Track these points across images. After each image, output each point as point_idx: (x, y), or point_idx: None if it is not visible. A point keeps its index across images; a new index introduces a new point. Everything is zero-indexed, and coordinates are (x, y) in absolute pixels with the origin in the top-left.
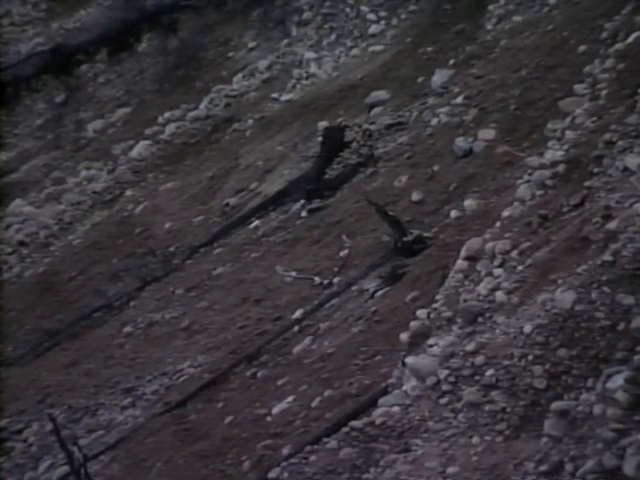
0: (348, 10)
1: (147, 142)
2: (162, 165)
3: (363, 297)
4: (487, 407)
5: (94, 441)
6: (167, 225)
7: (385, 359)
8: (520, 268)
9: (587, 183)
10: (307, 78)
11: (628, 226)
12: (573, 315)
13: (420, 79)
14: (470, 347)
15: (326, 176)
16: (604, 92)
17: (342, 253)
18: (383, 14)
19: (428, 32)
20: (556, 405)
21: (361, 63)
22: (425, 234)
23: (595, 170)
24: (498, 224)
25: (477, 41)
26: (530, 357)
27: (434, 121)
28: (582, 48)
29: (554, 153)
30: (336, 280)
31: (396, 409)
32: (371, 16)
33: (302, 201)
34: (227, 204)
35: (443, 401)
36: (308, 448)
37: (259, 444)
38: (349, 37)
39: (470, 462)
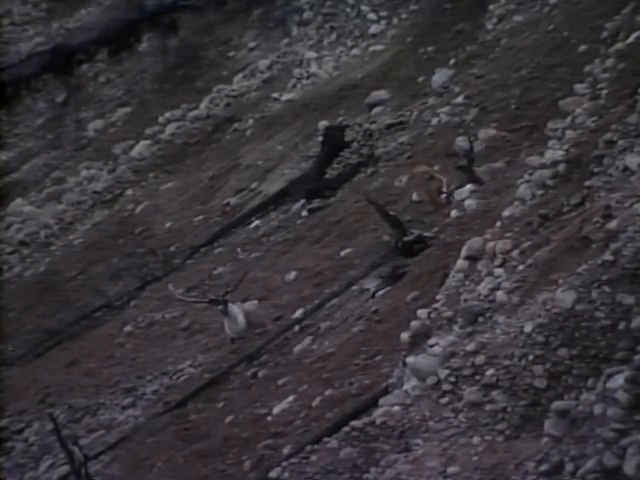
0: (349, 10)
1: (147, 142)
2: (162, 165)
3: (364, 297)
4: (488, 407)
5: (95, 441)
6: (167, 225)
7: (386, 359)
8: (521, 268)
9: (587, 183)
10: (308, 78)
11: (628, 226)
12: (573, 315)
13: (420, 79)
14: (471, 347)
15: (326, 176)
16: (604, 92)
17: (343, 253)
18: (384, 14)
19: (428, 32)
20: (556, 405)
21: (361, 63)
22: (425, 234)
23: (595, 170)
24: (498, 224)
25: (477, 41)
26: (530, 357)
27: (434, 121)
28: (582, 48)
29: (554, 153)
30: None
31: (397, 409)
32: (372, 16)
33: (302, 201)
34: (227, 204)
35: (444, 401)
36: (309, 448)
37: (260, 444)
38: (350, 37)
39: (471, 462)
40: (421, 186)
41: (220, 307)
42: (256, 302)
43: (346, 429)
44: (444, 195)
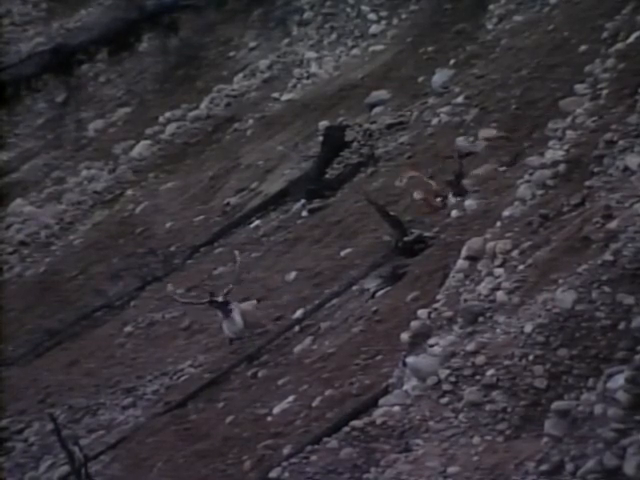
0: (349, 10)
1: (148, 142)
2: (163, 165)
3: (364, 297)
4: (488, 407)
5: (95, 441)
6: (168, 225)
7: (386, 359)
8: (521, 268)
9: (588, 183)
10: (308, 78)
11: (628, 226)
12: (574, 315)
13: (421, 79)
14: (471, 347)
15: (327, 176)
16: (605, 92)
17: (343, 253)
18: (384, 14)
19: (429, 32)
20: (557, 405)
21: (362, 63)
22: (426, 234)
23: (596, 170)
24: (499, 224)
25: (478, 41)
26: (531, 357)
27: (435, 121)
28: (583, 48)
29: (555, 153)
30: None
31: (397, 409)
32: (372, 16)
33: (303, 201)
34: (228, 204)
35: (444, 401)
36: (309, 448)
37: (260, 444)
38: (350, 37)
39: (471, 462)
40: (418, 188)
41: (221, 309)
42: (254, 302)
43: (346, 429)
44: (439, 199)
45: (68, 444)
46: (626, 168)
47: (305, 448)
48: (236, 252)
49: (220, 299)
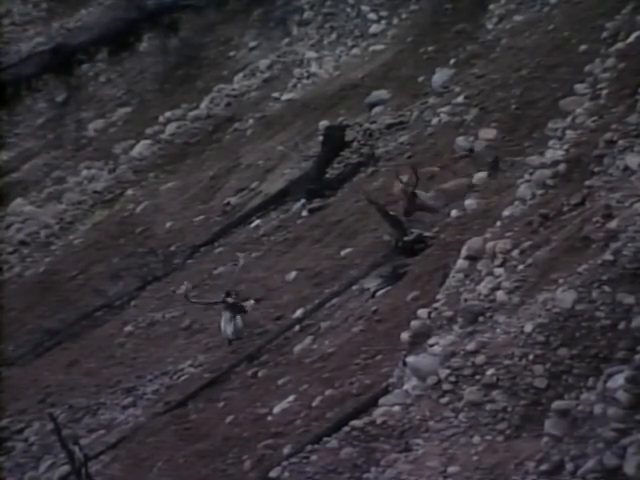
0: (349, 10)
1: (148, 141)
2: (163, 164)
3: (364, 296)
4: (488, 406)
5: (95, 441)
6: (168, 224)
7: (386, 358)
8: (521, 267)
9: (588, 182)
10: (308, 77)
11: (629, 225)
12: (574, 314)
13: (421, 78)
14: (471, 346)
15: (327, 175)
16: (605, 91)
17: (343, 252)
18: (384, 14)
19: (429, 32)
20: (557, 404)
21: (362, 62)
22: (426, 233)
23: (596, 169)
24: (499, 223)
25: (478, 41)
26: (531, 356)
27: (435, 120)
28: (583, 47)
29: (555, 152)
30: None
31: (397, 408)
32: (372, 15)
33: (303, 200)
34: (228, 203)
35: (444, 400)
36: (309, 447)
37: (260, 443)
38: (350, 36)
39: (471, 461)
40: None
41: (233, 310)
42: (252, 302)
43: (346, 429)
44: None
45: (68, 444)
46: (626, 168)
47: (305, 448)
48: (240, 254)
49: (230, 300)
